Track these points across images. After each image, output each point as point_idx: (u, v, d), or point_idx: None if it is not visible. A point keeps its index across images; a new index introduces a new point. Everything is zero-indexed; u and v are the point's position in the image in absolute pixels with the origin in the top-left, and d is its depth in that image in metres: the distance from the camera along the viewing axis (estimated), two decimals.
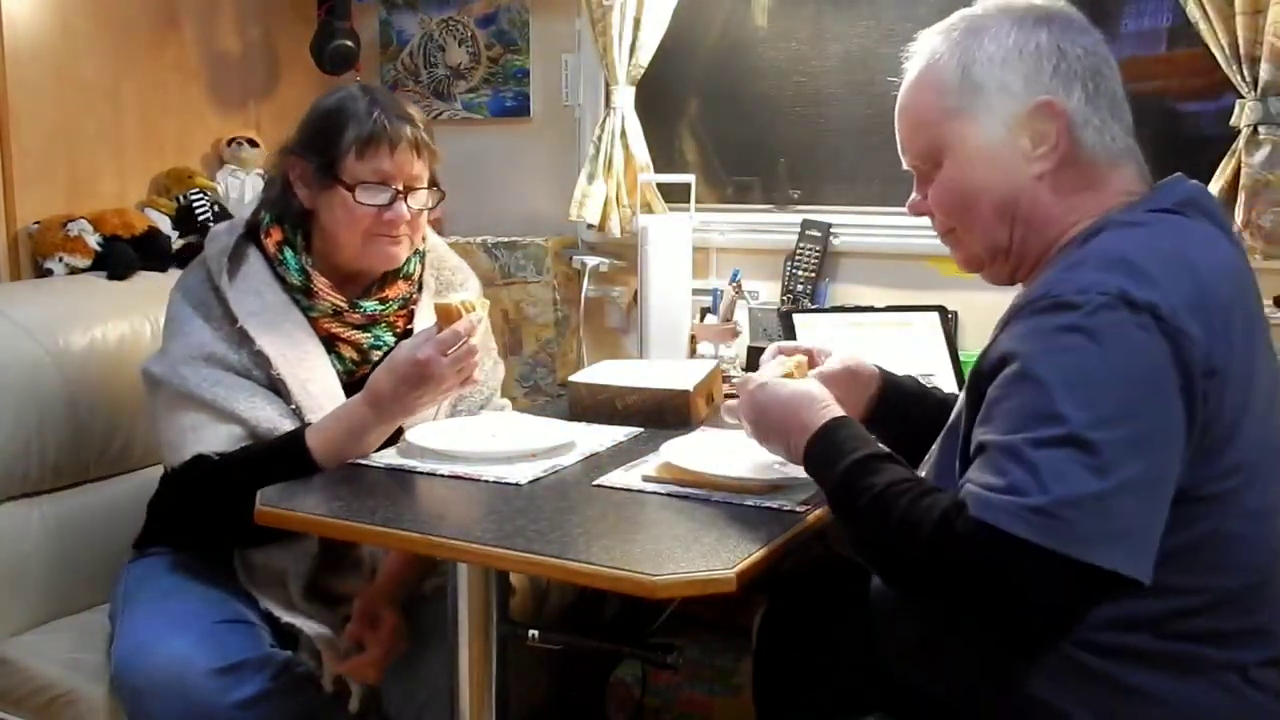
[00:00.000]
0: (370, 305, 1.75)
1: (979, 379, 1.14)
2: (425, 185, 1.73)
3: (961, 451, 1.16)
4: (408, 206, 1.70)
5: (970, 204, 1.27)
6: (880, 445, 1.22)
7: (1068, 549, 1.00)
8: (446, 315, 1.59)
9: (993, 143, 1.23)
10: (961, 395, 1.22)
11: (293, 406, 1.64)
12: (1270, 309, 1.97)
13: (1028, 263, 1.26)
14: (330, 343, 1.72)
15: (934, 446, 1.31)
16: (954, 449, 1.20)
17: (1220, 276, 1.13)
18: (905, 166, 1.34)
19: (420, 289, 1.82)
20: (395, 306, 1.78)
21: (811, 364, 1.50)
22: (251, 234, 1.74)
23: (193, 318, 1.67)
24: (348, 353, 1.73)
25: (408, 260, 1.78)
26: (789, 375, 1.41)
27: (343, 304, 1.72)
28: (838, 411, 1.29)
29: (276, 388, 1.65)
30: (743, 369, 2.29)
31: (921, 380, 1.60)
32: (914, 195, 1.34)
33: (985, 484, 1.04)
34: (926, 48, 1.29)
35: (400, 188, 1.69)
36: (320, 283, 1.71)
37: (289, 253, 1.71)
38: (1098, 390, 1.03)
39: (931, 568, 1.06)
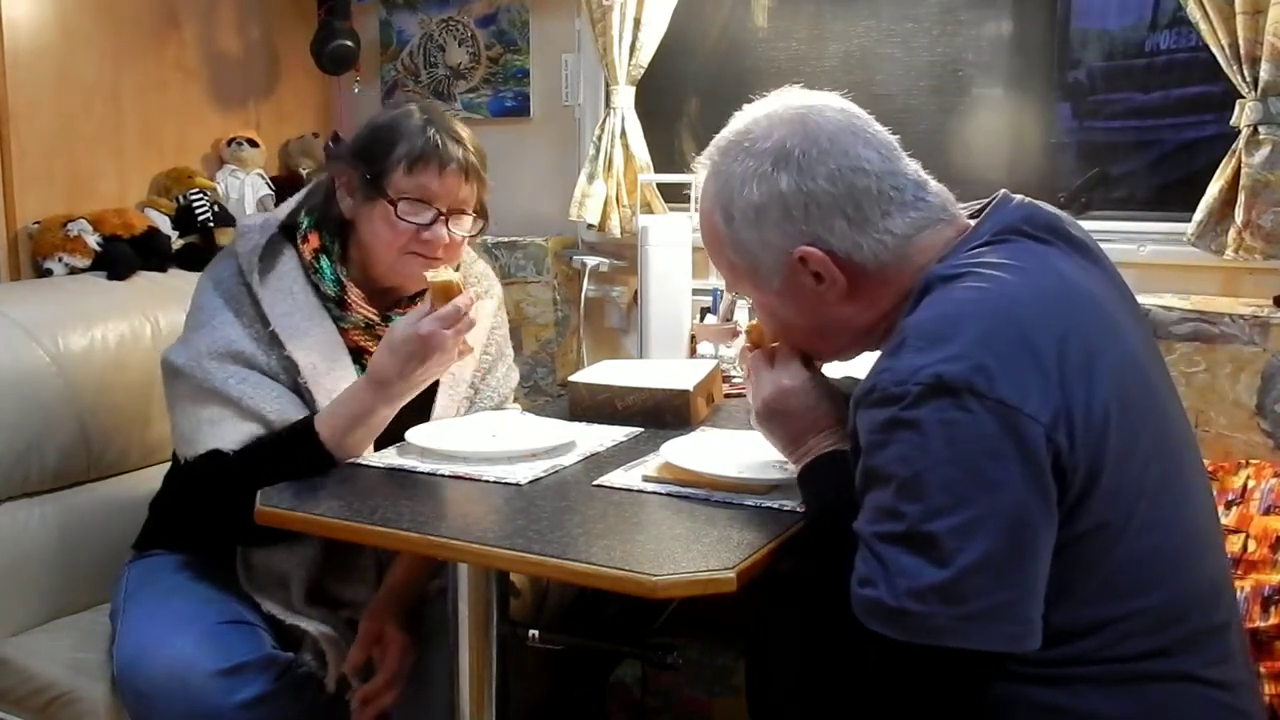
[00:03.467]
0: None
1: (854, 450, 1.16)
2: (470, 211, 1.69)
3: None
4: (449, 231, 1.66)
5: (790, 333, 1.34)
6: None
7: (920, 639, 1.04)
8: (446, 292, 1.55)
9: (779, 291, 1.26)
10: None
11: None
12: (1271, 309, 1.97)
13: (876, 340, 1.26)
14: (358, 355, 1.69)
15: None
16: None
17: (1045, 307, 1.11)
18: None
19: None
20: None
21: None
22: (286, 234, 1.71)
23: (223, 310, 1.64)
24: None
25: None
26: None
27: (375, 317, 1.70)
28: (842, 441, 1.29)
29: (301, 394, 1.62)
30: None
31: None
32: None
33: (856, 573, 1.09)
34: (700, 184, 1.31)
35: (444, 210, 1.65)
36: (354, 294, 1.68)
37: (325, 261, 1.68)
38: (927, 482, 1.04)
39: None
